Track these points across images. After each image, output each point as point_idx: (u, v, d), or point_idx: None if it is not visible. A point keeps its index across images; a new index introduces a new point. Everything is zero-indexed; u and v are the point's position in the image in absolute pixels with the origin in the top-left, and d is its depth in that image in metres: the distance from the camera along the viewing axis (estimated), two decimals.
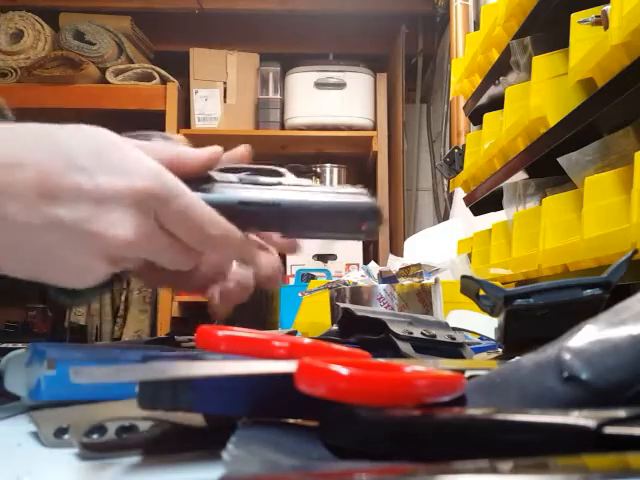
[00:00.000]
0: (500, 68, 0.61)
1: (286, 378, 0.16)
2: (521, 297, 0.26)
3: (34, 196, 0.19)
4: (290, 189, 0.25)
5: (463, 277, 0.28)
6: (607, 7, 0.40)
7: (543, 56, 0.50)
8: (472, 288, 0.27)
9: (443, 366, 0.24)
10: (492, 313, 0.27)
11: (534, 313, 0.25)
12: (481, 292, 0.27)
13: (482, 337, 0.41)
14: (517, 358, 0.18)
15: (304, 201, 0.25)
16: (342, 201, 0.25)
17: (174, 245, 0.22)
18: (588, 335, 0.17)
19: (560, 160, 0.45)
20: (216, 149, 0.24)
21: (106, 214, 0.20)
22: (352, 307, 0.30)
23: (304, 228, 0.26)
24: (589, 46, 0.41)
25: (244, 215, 0.24)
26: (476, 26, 1.08)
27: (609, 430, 0.12)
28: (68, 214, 0.19)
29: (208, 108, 1.50)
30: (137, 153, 0.21)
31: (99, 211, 0.20)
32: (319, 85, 1.48)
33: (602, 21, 0.41)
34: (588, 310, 0.21)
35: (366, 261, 1.31)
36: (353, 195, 0.26)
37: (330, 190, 0.26)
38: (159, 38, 1.57)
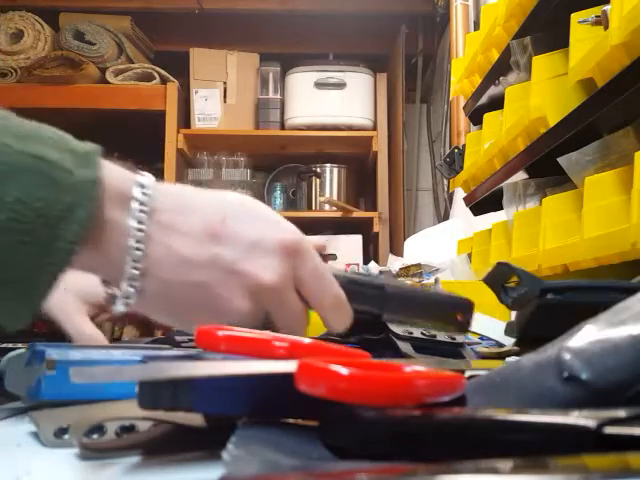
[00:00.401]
0: (500, 68, 0.62)
1: (286, 378, 0.16)
2: (555, 292, 0.25)
3: (202, 235, 0.23)
4: (393, 280, 0.28)
5: (499, 264, 0.27)
6: (607, 7, 0.40)
7: (543, 56, 0.50)
8: (504, 276, 0.27)
9: (443, 366, 0.24)
10: (513, 305, 0.27)
11: (561, 310, 0.25)
12: (507, 284, 0.27)
13: (482, 337, 0.41)
14: (517, 358, 0.18)
15: (406, 288, 0.29)
16: (440, 293, 0.29)
17: (299, 304, 0.25)
18: (588, 335, 0.17)
19: (560, 160, 0.45)
20: (323, 241, 0.29)
21: (257, 258, 0.23)
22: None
23: (403, 313, 0.29)
24: (589, 46, 0.41)
25: (350, 294, 0.26)
26: (476, 26, 1.08)
27: (609, 430, 0.12)
28: (227, 253, 0.23)
29: (208, 108, 1.50)
30: (279, 215, 0.25)
31: (252, 254, 0.23)
32: (319, 85, 1.48)
33: (602, 21, 0.41)
34: None
35: (366, 261, 1.31)
36: (449, 293, 0.30)
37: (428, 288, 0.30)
38: (159, 38, 1.57)
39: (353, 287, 0.26)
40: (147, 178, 0.23)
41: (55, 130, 0.22)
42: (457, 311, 0.29)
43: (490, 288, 0.27)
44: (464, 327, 0.29)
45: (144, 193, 0.23)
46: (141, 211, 0.22)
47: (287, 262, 0.24)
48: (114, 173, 0.23)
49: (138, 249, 0.22)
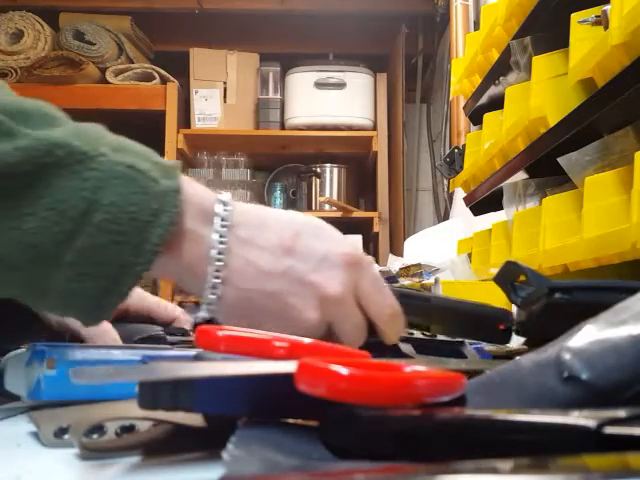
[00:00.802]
0: (500, 68, 0.61)
1: (286, 378, 0.16)
2: (564, 291, 0.25)
3: (277, 249, 0.25)
4: (439, 294, 0.29)
5: (508, 262, 0.27)
6: (607, 7, 0.40)
7: (543, 56, 0.50)
8: (512, 275, 0.27)
9: (444, 366, 0.24)
10: (522, 305, 0.26)
11: (569, 310, 0.25)
12: (517, 282, 0.27)
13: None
14: (517, 358, 0.18)
15: (451, 299, 0.30)
16: (481, 304, 0.30)
17: (360, 315, 0.26)
18: (588, 335, 0.17)
19: (560, 160, 0.45)
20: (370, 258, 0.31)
21: (325, 270, 0.25)
22: None
23: (448, 324, 0.30)
24: (589, 46, 0.41)
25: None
26: (476, 26, 1.08)
27: (609, 430, 0.12)
28: (299, 265, 0.25)
29: (208, 108, 1.50)
30: (340, 233, 0.27)
31: (320, 267, 0.25)
32: (319, 85, 1.48)
33: (602, 21, 0.41)
34: None
35: None
36: (488, 304, 0.30)
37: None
38: (159, 38, 1.57)
39: (402, 300, 0.27)
40: (226, 196, 0.26)
41: (138, 144, 0.25)
42: (499, 321, 0.29)
43: (500, 287, 0.27)
44: (506, 337, 0.30)
45: (225, 210, 0.25)
46: (222, 226, 0.25)
47: (350, 274, 0.26)
48: (193, 186, 0.25)
49: (219, 260, 0.24)
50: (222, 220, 0.25)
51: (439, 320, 0.30)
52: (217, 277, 0.24)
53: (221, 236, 0.24)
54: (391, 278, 0.54)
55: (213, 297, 0.24)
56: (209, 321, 0.25)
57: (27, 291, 0.23)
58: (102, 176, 0.22)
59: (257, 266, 0.25)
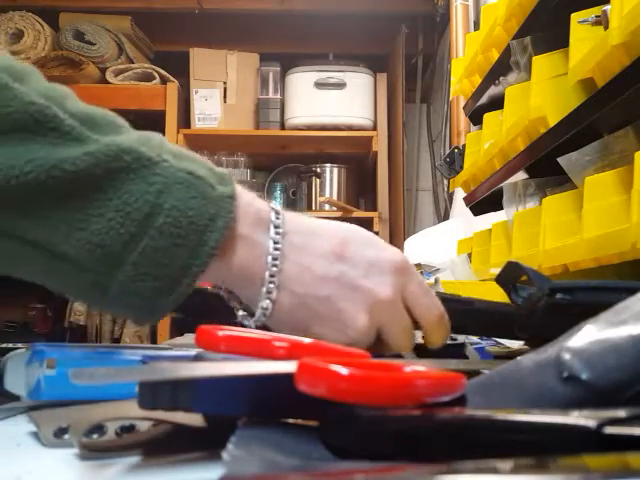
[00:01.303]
0: (500, 68, 0.61)
1: (286, 378, 0.16)
2: (565, 291, 0.25)
3: (329, 255, 0.26)
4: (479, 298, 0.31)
5: (509, 262, 0.27)
6: (607, 7, 0.40)
7: (543, 56, 0.50)
8: (513, 275, 0.27)
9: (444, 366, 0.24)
10: (523, 306, 0.26)
11: (570, 311, 0.25)
12: (519, 283, 0.27)
13: (482, 337, 0.41)
14: (517, 358, 0.18)
15: (493, 303, 0.31)
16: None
17: (408, 318, 0.27)
18: (588, 335, 0.17)
19: (560, 160, 0.45)
20: None
21: (375, 276, 0.26)
22: None
23: (490, 326, 0.31)
24: (589, 46, 0.41)
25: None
26: (476, 26, 1.08)
27: (609, 430, 0.12)
28: (350, 271, 0.26)
29: (208, 108, 1.50)
30: (383, 240, 0.28)
31: (370, 272, 0.26)
32: (319, 85, 1.48)
33: (602, 21, 0.41)
34: None
35: None
36: None
37: None
38: (159, 38, 1.57)
39: (445, 304, 0.28)
40: (278, 205, 0.27)
41: (194, 153, 0.26)
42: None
43: (501, 287, 0.27)
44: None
45: (277, 217, 0.26)
46: (276, 233, 0.26)
47: (398, 279, 0.27)
48: (247, 194, 0.26)
49: (275, 265, 0.25)
50: (275, 227, 0.26)
51: (481, 323, 0.30)
52: (272, 282, 0.25)
53: (275, 242, 0.25)
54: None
55: (268, 302, 0.25)
56: (262, 327, 0.25)
57: (92, 291, 0.23)
58: (165, 181, 0.23)
59: (311, 271, 0.26)
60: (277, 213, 0.26)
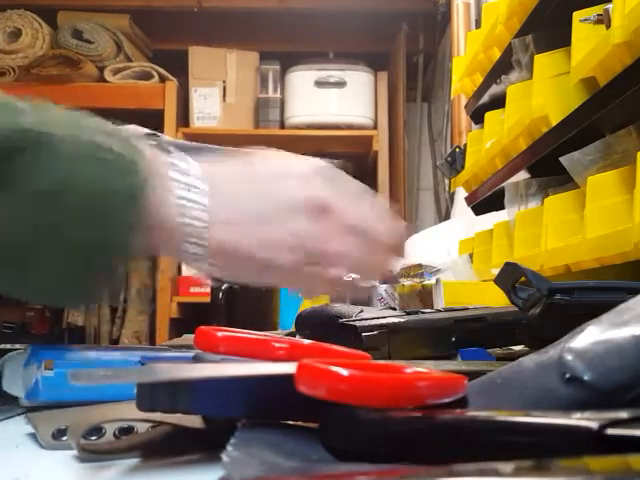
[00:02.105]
0: (501, 67, 0.61)
1: (286, 379, 0.16)
2: (564, 292, 0.25)
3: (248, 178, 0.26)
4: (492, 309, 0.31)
5: (507, 264, 0.27)
6: (609, 6, 0.39)
7: (545, 55, 0.50)
8: (512, 277, 0.27)
9: (444, 367, 0.24)
10: (523, 307, 0.26)
11: (570, 312, 0.25)
12: (518, 284, 0.27)
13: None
14: (519, 359, 0.17)
15: (508, 312, 0.30)
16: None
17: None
18: (590, 336, 0.16)
19: (562, 159, 0.44)
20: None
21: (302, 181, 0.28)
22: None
23: (505, 342, 0.30)
24: (591, 45, 0.41)
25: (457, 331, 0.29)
26: (477, 24, 1.08)
27: (611, 432, 0.12)
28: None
29: (207, 107, 1.50)
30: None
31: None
32: (319, 84, 1.48)
33: (604, 20, 0.41)
34: None
35: None
36: None
37: None
38: (158, 36, 1.57)
39: (457, 325, 0.28)
40: (181, 157, 0.25)
41: (100, 118, 0.25)
42: None
43: (500, 289, 0.27)
44: None
45: (186, 173, 0.24)
46: (196, 192, 0.24)
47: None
48: (156, 154, 0.25)
49: (195, 202, 0.24)
50: (195, 187, 0.24)
51: (495, 338, 0.30)
52: (196, 218, 0.24)
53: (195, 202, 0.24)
54: (392, 278, 0.54)
55: (200, 248, 0.24)
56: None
57: (13, 281, 0.22)
58: (71, 156, 0.22)
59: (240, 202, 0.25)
60: (183, 170, 0.24)
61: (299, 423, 0.18)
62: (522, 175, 0.57)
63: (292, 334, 0.36)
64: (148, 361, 0.20)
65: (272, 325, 0.59)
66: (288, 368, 0.16)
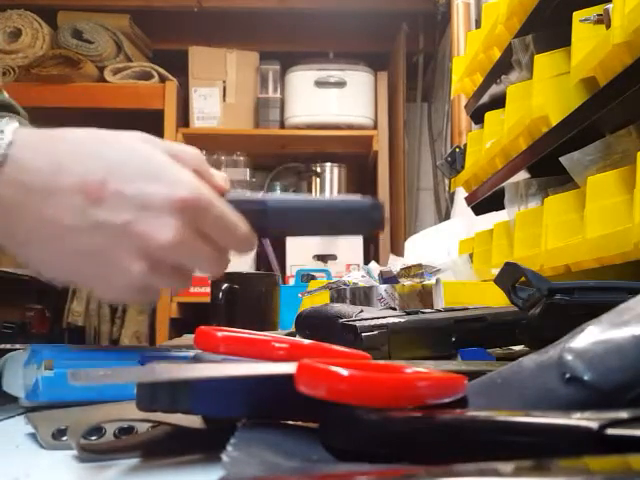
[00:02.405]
0: (501, 67, 0.61)
1: (286, 379, 0.16)
2: (563, 292, 0.25)
3: (80, 201, 0.21)
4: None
5: (507, 264, 0.27)
6: (609, 6, 0.39)
7: (545, 55, 0.50)
8: (512, 277, 0.26)
9: (444, 367, 0.24)
10: (523, 307, 0.26)
11: (569, 312, 0.25)
12: (518, 284, 0.26)
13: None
14: (519, 359, 0.17)
15: (508, 312, 0.29)
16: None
17: (209, 249, 0.24)
18: (590, 336, 0.16)
19: (562, 159, 0.44)
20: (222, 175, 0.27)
21: (150, 218, 0.21)
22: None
23: (505, 342, 0.29)
24: (591, 45, 0.41)
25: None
26: (477, 24, 1.08)
27: (611, 432, 0.12)
28: (112, 217, 0.21)
29: (207, 107, 1.50)
30: (179, 169, 0.23)
31: (143, 215, 0.21)
32: (319, 84, 1.48)
33: (604, 20, 0.41)
34: None
35: (367, 261, 1.31)
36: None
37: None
38: (158, 36, 1.57)
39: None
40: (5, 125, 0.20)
41: None
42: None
43: (500, 289, 0.27)
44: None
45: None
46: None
47: (184, 218, 0.22)
48: None
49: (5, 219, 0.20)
50: None
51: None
52: (9, 242, 0.20)
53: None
54: (392, 278, 0.54)
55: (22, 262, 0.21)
56: None
57: None
58: None
59: (61, 225, 0.20)
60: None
61: (299, 423, 0.18)
62: (522, 175, 0.57)
63: (292, 334, 0.36)
64: (148, 361, 0.20)
65: (272, 325, 0.59)
66: (288, 368, 0.16)
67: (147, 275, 0.22)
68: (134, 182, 0.21)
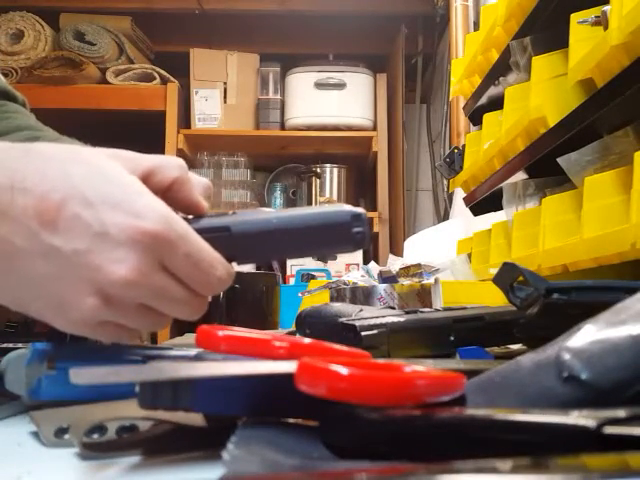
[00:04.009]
0: (500, 68, 0.61)
1: (286, 378, 0.16)
2: (561, 292, 0.25)
3: (34, 223, 0.19)
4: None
5: (505, 263, 0.27)
6: (607, 7, 0.40)
7: (543, 56, 0.50)
8: (510, 276, 0.26)
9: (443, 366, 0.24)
10: (521, 306, 0.26)
11: (567, 311, 0.25)
12: (516, 283, 0.26)
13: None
14: (517, 358, 0.18)
15: (506, 311, 0.27)
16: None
17: (178, 290, 0.21)
18: (588, 335, 0.17)
19: (560, 160, 0.45)
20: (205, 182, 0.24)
21: (107, 250, 0.19)
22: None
23: (503, 341, 0.28)
24: (589, 46, 0.41)
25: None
26: (476, 26, 1.08)
27: (609, 430, 0.13)
28: (64, 244, 0.19)
29: (208, 108, 1.50)
30: (148, 195, 0.20)
31: (101, 246, 0.19)
32: (319, 85, 1.48)
33: (602, 21, 0.41)
34: None
35: (366, 261, 1.31)
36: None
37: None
38: (159, 38, 1.57)
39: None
40: None
41: None
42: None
43: (499, 288, 0.27)
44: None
45: None
46: None
47: (148, 253, 0.19)
48: None
49: None
50: None
51: (495, 334, 0.28)
52: None
53: None
54: (391, 278, 0.54)
55: None
56: None
57: None
58: None
59: (12, 246, 0.19)
60: None
61: (299, 421, 0.18)
62: (520, 176, 0.57)
63: (292, 333, 0.36)
64: (150, 360, 0.20)
65: (273, 324, 0.59)
66: (289, 367, 0.16)
67: (102, 312, 0.20)
68: (93, 207, 0.19)
